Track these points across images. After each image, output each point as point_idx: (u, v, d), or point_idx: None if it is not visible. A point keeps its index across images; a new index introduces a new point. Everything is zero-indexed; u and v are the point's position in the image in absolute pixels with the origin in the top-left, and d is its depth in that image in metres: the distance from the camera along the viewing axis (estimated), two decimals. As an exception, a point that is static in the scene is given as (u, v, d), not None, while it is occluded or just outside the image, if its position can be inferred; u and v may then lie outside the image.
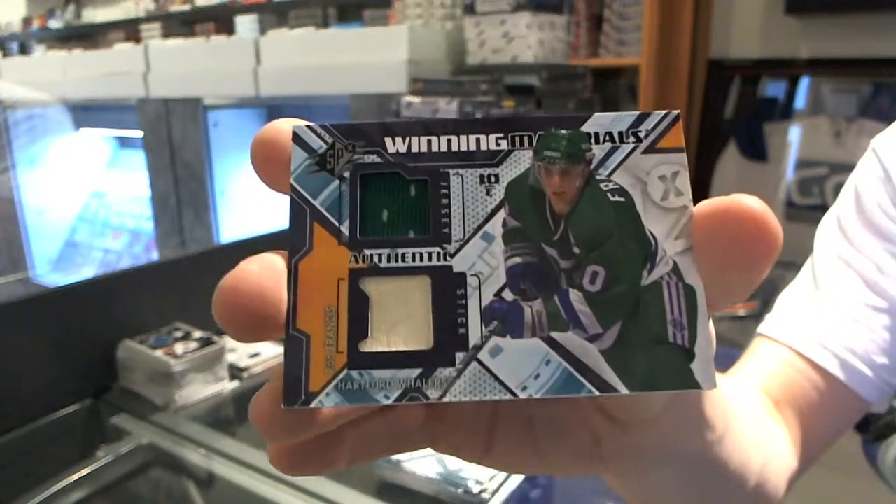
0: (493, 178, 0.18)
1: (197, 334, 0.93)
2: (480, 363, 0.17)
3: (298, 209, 0.18)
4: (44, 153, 2.63)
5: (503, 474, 0.69)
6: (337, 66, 1.87)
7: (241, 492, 0.73)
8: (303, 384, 0.16)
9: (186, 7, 3.49)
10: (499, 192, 0.18)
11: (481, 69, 1.76)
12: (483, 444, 0.22)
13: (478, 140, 0.18)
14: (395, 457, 0.70)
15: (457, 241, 0.17)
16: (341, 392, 0.16)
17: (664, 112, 0.18)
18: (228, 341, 1.00)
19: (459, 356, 0.17)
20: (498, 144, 0.18)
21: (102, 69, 2.51)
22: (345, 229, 0.17)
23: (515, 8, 1.71)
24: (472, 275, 0.17)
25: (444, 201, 0.18)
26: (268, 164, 0.18)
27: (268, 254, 0.17)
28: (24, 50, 4.48)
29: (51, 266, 2.74)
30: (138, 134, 2.39)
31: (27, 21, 4.38)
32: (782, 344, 0.45)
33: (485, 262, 0.17)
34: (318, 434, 0.18)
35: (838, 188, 0.50)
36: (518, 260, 0.17)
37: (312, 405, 0.16)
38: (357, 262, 0.17)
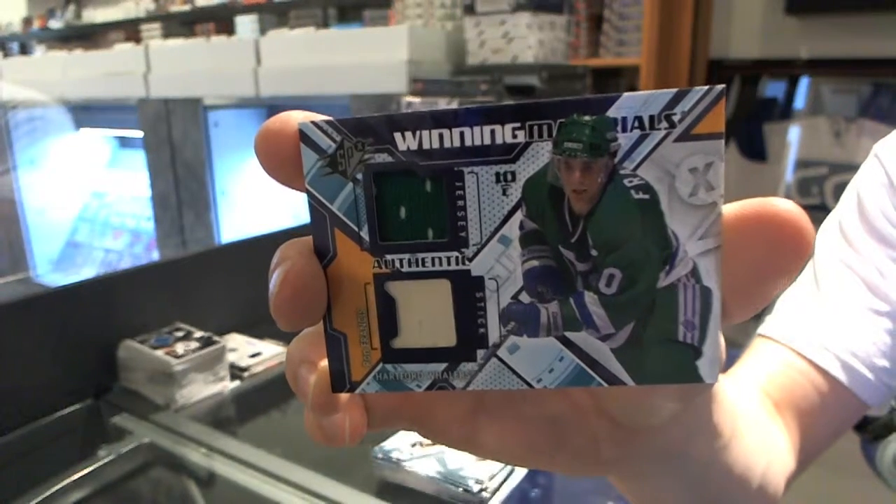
0: (509, 177, 0.17)
1: (198, 334, 0.93)
2: (499, 359, 0.18)
3: (318, 215, 0.18)
4: (44, 153, 2.63)
5: (503, 474, 0.69)
6: (337, 67, 1.86)
7: (241, 491, 0.73)
8: (345, 375, 0.19)
9: (187, 7, 3.50)
10: (515, 191, 0.17)
11: (481, 69, 1.76)
12: (467, 432, 0.22)
13: (492, 132, 0.17)
14: (395, 456, 0.70)
15: (474, 245, 0.17)
16: (379, 382, 0.19)
17: (705, 89, 0.16)
18: (229, 341, 1.00)
19: (480, 353, 0.18)
20: (514, 136, 0.17)
21: (102, 69, 2.51)
22: (365, 235, 0.18)
23: (515, 8, 1.71)
24: (489, 278, 0.18)
25: (460, 203, 0.17)
26: (273, 157, 0.18)
27: (309, 253, 0.18)
28: (24, 50, 4.49)
29: (52, 266, 2.74)
30: (138, 134, 2.39)
31: (27, 21, 4.38)
32: (783, 345, 0.45)
33: (502, 265, 0.17)
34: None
35: (838, 188, 0.50)
36: (535, 263, 0.17)
37: (357, 392, 0.19)
38: (380, 267, 0.18)
